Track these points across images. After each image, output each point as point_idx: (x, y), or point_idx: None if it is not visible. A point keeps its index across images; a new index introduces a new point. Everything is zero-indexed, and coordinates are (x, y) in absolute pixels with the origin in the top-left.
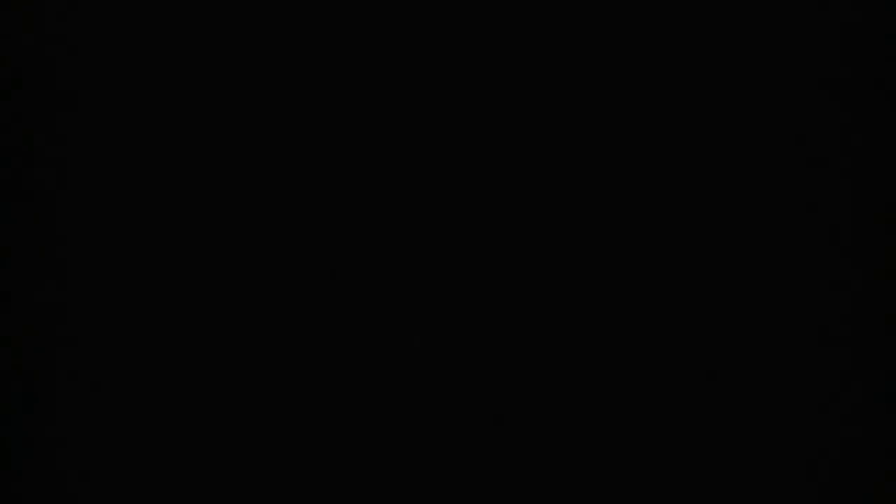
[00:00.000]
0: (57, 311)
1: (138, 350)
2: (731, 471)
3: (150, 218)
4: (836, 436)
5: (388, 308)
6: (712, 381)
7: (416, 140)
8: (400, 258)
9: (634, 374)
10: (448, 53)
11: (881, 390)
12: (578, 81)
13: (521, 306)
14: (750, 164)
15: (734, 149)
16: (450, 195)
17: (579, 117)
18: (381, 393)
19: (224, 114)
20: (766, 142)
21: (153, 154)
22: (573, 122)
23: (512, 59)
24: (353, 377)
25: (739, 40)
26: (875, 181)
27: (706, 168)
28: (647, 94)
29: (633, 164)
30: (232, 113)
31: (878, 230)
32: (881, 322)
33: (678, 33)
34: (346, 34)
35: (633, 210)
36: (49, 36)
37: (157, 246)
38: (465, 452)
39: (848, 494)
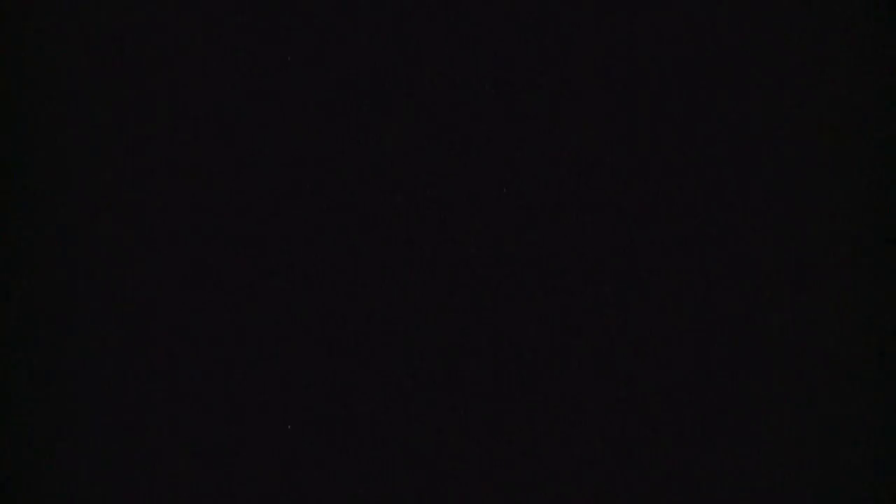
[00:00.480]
0: (53, 311)
1: (139, 350)
2: (730, 471)
3: (150, 218)
4: (836, 436)
5: (385, 308)
6: (711, 380)
7: (414, 140)
8: (397, 258)
9: (634, 374)
10: (445, 53)
11: (882, 390)
12: (577, 81)
13: (520, 306)
14: (747, 162)
15: (731, 148)
16: (447, 195)
17: (578, 117)
18: (380, 392)
19: (221, 114)
20: (763, 141)
21: (152, 154)
22: (572, 123)
23: (510, 59)
24: (352, 377)
25: (739, 39)
26: (875, 181)
27: (703, 167)
28: (646, 94)
29: (631, 164)
30: (229, 113)
31: (880, 230)
32: (882, 321)
33: (677, 32)
34: (343, 34)
35: (630, 210)
36: (48, 35)
37: (157, 246)
38: (462, 453)
39: (848, 494)
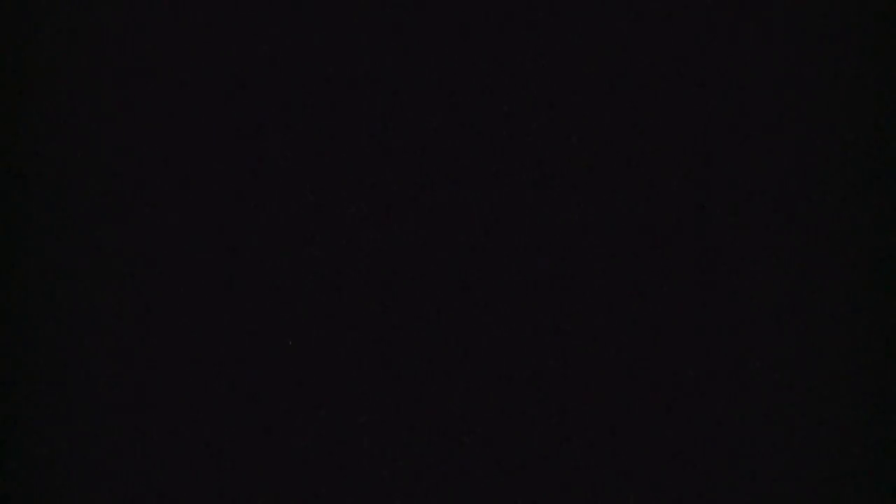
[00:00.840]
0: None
1: (139, 349)
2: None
3: (151, 218)
4: (836, 435)
5: (385, 308)
6: (711, 380)
7: (414, 141)
8: (397, 258)
9: (634, 376)
10: (444, 54)
11: (881, 390)
12: (577, 81)
13: (520, 307)
14: (746, 162)
15: (729, 148)
16: (445, 195)
17: (578, 117)
18: (378, 392)
19: (221, 114)
20: (762, 141)
21: (153, 154)
22: (572, 122)
23: (511, 60)
24: (350, 377)
25: (738, 39)
26: (875, 180)
27: (702, 167)
28: (645, 94)
29: (631, 165)
30: (229, 113)
31: (879, 230)
32: (881, 321)
33: (677, 32)
34: (342, 35)
35: (631, 211)
36: (49, 36)
37: (158, 246)
38: (460, 454)
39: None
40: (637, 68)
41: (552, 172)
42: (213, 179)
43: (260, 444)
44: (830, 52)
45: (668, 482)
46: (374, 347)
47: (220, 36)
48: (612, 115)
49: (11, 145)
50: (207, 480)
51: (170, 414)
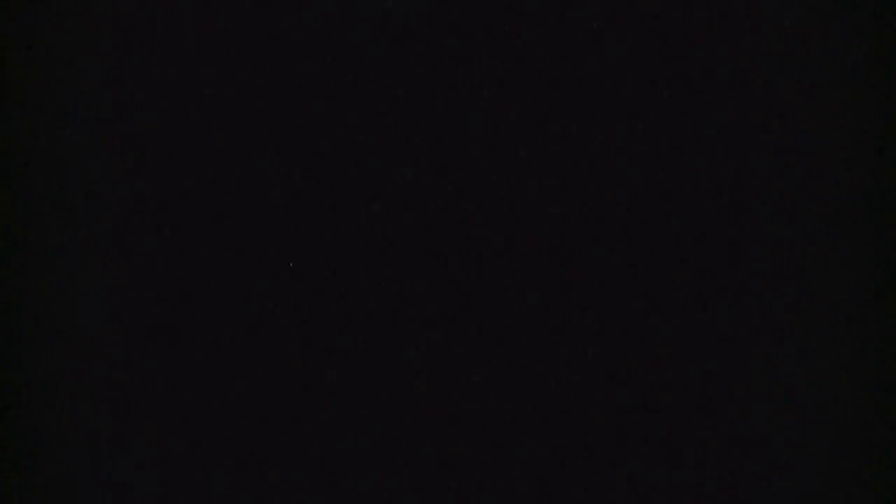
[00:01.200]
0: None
1: (138, 350)
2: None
3: (152, 218)
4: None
5: (386, 308)
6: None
7: (414, 140)
8: (398, 258)
9: (634, 373)
10: (444, 53)
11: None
12: (577, 81)
13: (521, 307)
14: (746, 160)
15: (729, 146)
16: (446, 195)
17: (577, 117)
18: (379, 392)
19: (221, 114)
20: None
21: (154, 155)
22: (572, 122)
23: (510, 59)
24: (350, 377)
25: (738, 38)
26: (875, 178)
27: (701, 165)
28: (646, 93)
29: (632, 166)
30: (229, 114)
31: (879, 228)
32: (882, 320)
33: (678, 30)
34: (342, 34)
35: (630, 210)
36: (50, 36)
37: (158, 246)
38: (460, 454)
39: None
40: (637, 68)
41: (552, 172)
42: (212, 177)
43: (258, 444)
44: (830, 51)
45: (668, 482)
46: (372, 348)
47: (219, 35)
48: (613, 115)
49: (11, 145)
50: (205, 480)
51: (165, 417)
